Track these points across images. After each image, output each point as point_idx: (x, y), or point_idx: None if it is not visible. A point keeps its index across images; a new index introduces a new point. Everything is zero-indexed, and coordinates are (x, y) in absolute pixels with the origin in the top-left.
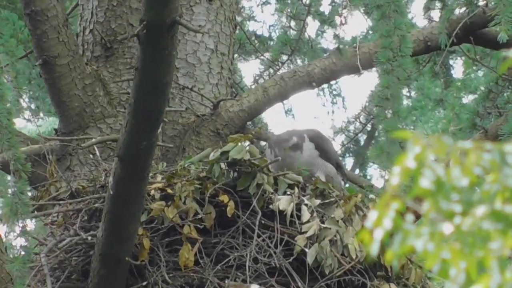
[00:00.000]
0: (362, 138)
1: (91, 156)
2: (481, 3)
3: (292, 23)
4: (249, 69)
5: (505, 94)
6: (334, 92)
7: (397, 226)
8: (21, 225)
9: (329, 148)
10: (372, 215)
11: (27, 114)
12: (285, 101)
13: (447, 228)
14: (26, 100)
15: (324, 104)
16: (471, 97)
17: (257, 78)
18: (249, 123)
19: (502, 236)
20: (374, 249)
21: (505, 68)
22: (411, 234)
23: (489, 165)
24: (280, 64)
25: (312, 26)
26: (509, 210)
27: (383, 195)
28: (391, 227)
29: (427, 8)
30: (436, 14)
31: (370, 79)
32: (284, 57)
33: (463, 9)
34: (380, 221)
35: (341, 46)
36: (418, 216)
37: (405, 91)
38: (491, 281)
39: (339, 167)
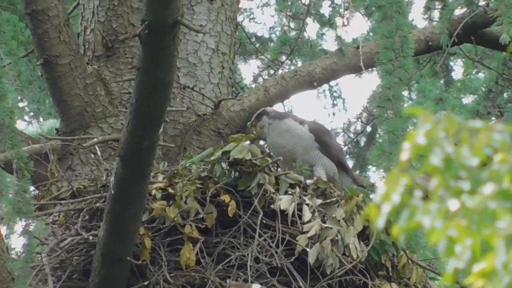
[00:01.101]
0: (362, 139)
1: (92, 155)
2: (481, 3)
3: (292, 23)
4: (250, 70)
5: (505, 94)
6: (335, 94)
7: (405, 201)
8: (24, 223)
9: (331, 144)
10: (381, 189)
11: (27, 116)
12: (285, 103)
13: (454, 205)
14: (27, 101)
15: (325, 106)
16: (471, 97)
17: (256, 77)
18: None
19: (509, 215)
20: (380, 223)
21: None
22: (419, 210)
23: (498, 145)
24: (279, 64)
25: (312, 27)
26: None
27: (393, 170)
28: (399, 203)
29: (427, 8)
30: (437, 15)
31: (370, 80)
32: (284, 57)
33: (465, 9)
34: (388, 196)
35: (343, 48)
36: (426, 196)
37: (406, 93)
38: (496, 259)
39: (342, 166)
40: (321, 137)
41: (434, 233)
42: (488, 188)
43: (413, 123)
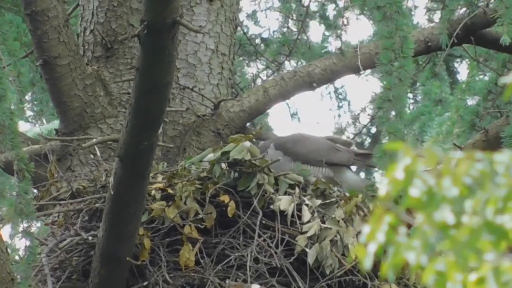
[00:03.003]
0: (367, 141)
1: (91, 156)
2: (481, 3)
3: (291, 24)
4: (251, 72)
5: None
6: (340, 96)
7: (390, 239)
8: (25, 225)
9: (302, 151)
10: (365, 229)
11: (31, 117)
12: (291, 105)
13: (440, 240)
14: (30, 103)
15: (331, 109)
16: (476, 99)
17: (254, 78)
18: (249, 123)
19: (495, 247)
20: (367, 263)
21: (509, 95)
22: (404, 247)
23: (479, 175)
24: (278, 65)
25: (318, 30)
26: (500, 220)
27: (375, 208)
28: (384, 241)
29: (428, 9)
30: (438, 16)
31: (375, 82)
32: (283, 58)
33: (464, 9)
34: (373, 235)
35: (343, 48)
36: (410, 226)
37: (410, 95)
38: None
39: (335, 164)
40: (288, 149)
41: (425, 272)
42: (473, 220)
43: (419, 126)
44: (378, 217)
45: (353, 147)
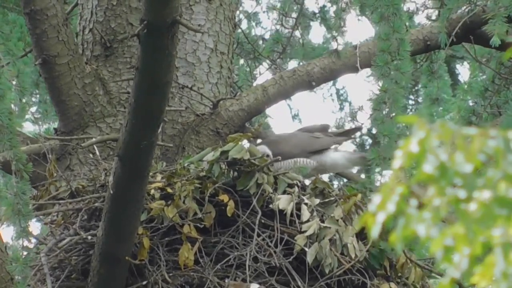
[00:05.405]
0: (368, 141)
1: (91, 155)
2: (480, 2)
3: (285, 22)
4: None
5: (501, 93)
6: (342, 98)
7: (400, 210)
8: (22, 225)
9: (287, 148)
10: (376, 198)
11: (34, 117)
12: (292, 106)
13: (450, 213)
14: (27, 102)
15: (333, 111)
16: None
17: (254, 77)
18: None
19: (506, 222)
20: (375, 232)
21: (509, 56)
22: (414, 218)
23: (493, 152)
24: (272, 62)
25: (319, 32)
26: None
27: (388, 180)
28: (394, 211)
29: (425, 7)
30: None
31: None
32: (277, 56)
33: (463, 8)
34: (383, 204)
35: (339, 49)
36: (421, 203)
37: (412, 97)
38: (495, 268)
39: (316, 152)
40: (273, 150)
41: (433, 243)
42: (484, 195)
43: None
44: (390, 188)
45: (331, 129)
